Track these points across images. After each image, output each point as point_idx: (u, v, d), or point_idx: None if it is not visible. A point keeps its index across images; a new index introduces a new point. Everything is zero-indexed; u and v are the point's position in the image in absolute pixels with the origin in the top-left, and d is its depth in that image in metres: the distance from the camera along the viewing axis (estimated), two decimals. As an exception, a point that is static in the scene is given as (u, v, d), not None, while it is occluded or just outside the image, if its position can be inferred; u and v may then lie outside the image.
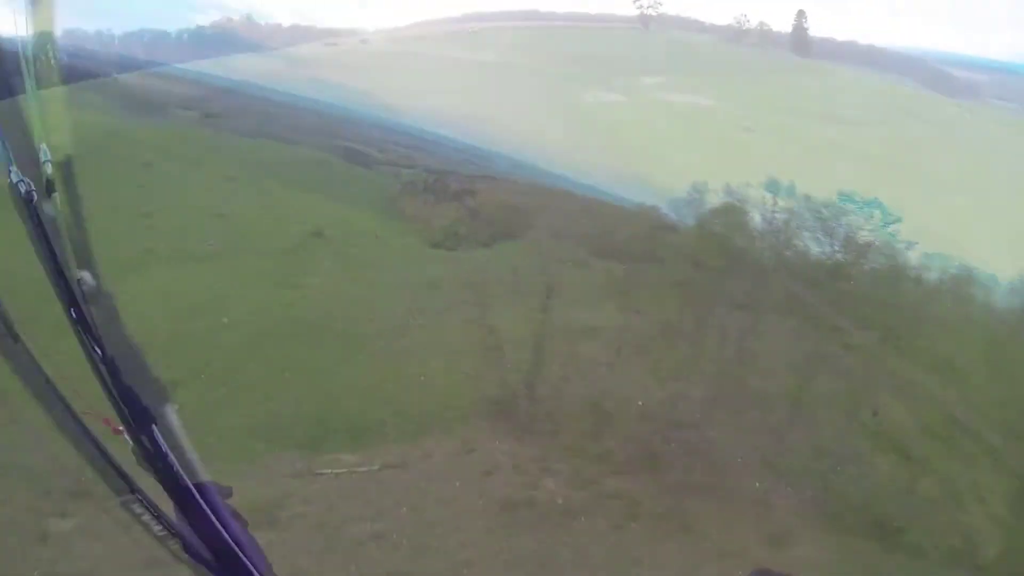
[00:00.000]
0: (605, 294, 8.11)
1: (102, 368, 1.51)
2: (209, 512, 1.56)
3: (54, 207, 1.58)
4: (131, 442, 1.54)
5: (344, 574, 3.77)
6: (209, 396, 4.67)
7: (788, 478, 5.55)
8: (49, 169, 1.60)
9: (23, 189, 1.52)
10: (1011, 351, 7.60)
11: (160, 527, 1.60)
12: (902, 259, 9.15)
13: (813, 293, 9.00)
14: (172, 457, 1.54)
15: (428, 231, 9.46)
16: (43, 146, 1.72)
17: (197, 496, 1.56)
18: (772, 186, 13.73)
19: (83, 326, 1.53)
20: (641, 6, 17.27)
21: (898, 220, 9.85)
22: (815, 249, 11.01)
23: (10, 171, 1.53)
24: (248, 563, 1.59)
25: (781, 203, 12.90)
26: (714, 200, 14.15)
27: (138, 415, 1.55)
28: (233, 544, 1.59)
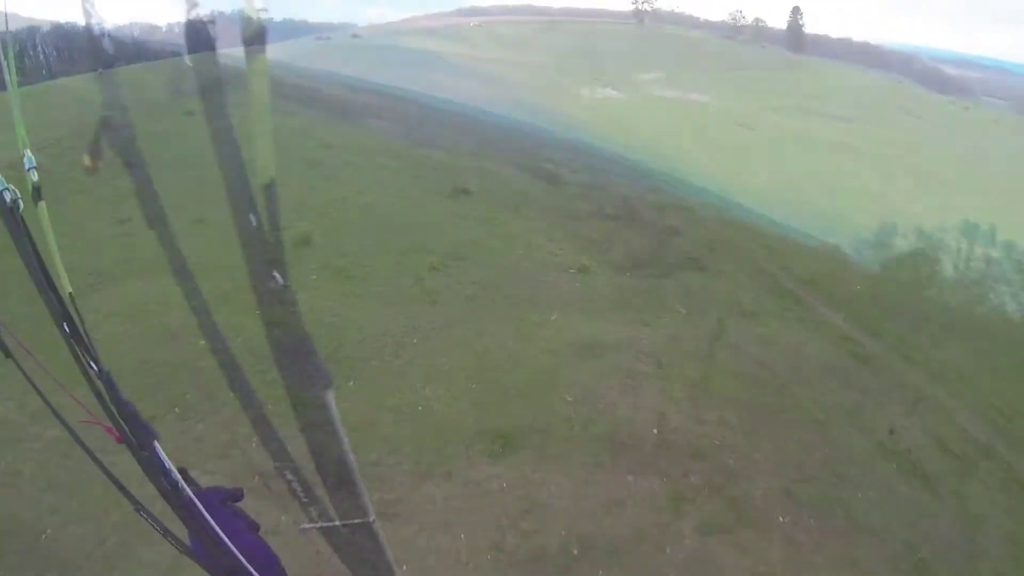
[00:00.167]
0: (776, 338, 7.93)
1: (99, 384, 1.40)
2: (215, 526, 1.49)
3: (41, 216, 1.45)
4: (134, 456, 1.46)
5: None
6: (186, 434, 4.18)
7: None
8: (35, 176, 1.47)
9: (8, 198, 1.37)
10: None
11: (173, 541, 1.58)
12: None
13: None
14: (176, 473, 1.49)
15: (614, 256, 9.54)
16: (28, 152, 1.57)
17: (204, 512, 1.49)
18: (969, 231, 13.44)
19: (77, 341, 1.42)
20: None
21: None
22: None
23: None
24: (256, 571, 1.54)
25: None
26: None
27: (138, 431, 1.46)
28: (242, 553, 1.53)
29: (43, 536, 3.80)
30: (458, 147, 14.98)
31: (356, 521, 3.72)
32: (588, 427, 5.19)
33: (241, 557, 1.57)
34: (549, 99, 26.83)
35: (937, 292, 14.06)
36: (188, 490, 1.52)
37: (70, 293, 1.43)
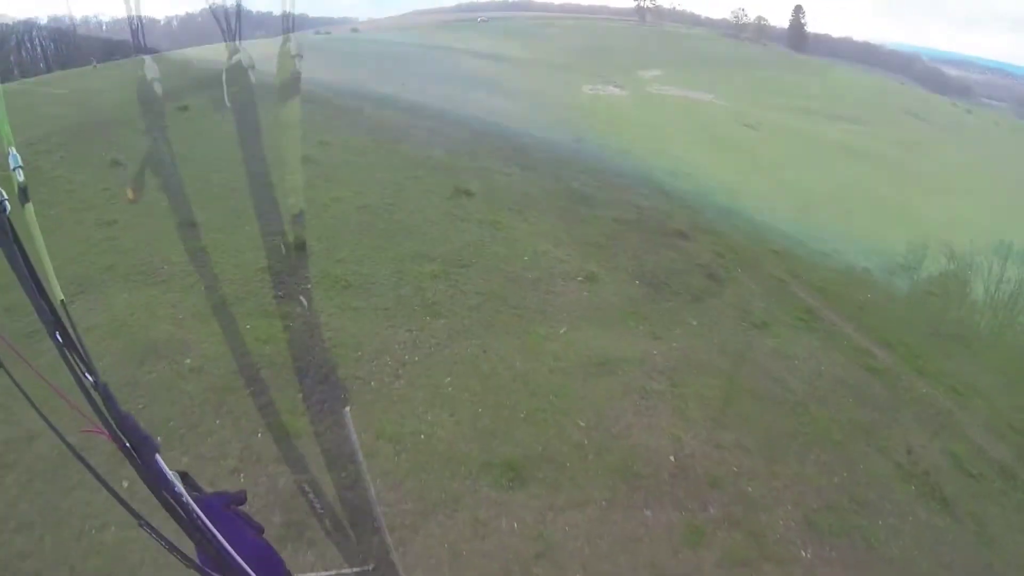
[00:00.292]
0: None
1: (95, 396, 1.31)
2: (224, 542, 1.43)
3: (29, 219, 1.35)
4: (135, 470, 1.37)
5: None
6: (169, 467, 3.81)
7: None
8: (21, 176, 1.37)
9: None
10: None
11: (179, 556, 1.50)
12: None
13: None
14: (180, 486, 1.40)
15: (621, 261, 9.30)
16: (12, 151, 1.48)
17: (211, 526, 1.42)
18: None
19: (72, 351, 1.34)
20: None
21: None
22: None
23: None
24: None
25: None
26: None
27: (139, 443, 1.36)
28: (250, 561, 1.48)
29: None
30: (458, 146, 14.61)
31: (354, 570, 3.40)
32: (602, 455, 4.86)
33: (251, 571, 1.53)
34: (550, 96, 26.49)
35: (946, 302, 13.84)
36: (193, 504, 1.43)
37: (62, 300, 1.34)
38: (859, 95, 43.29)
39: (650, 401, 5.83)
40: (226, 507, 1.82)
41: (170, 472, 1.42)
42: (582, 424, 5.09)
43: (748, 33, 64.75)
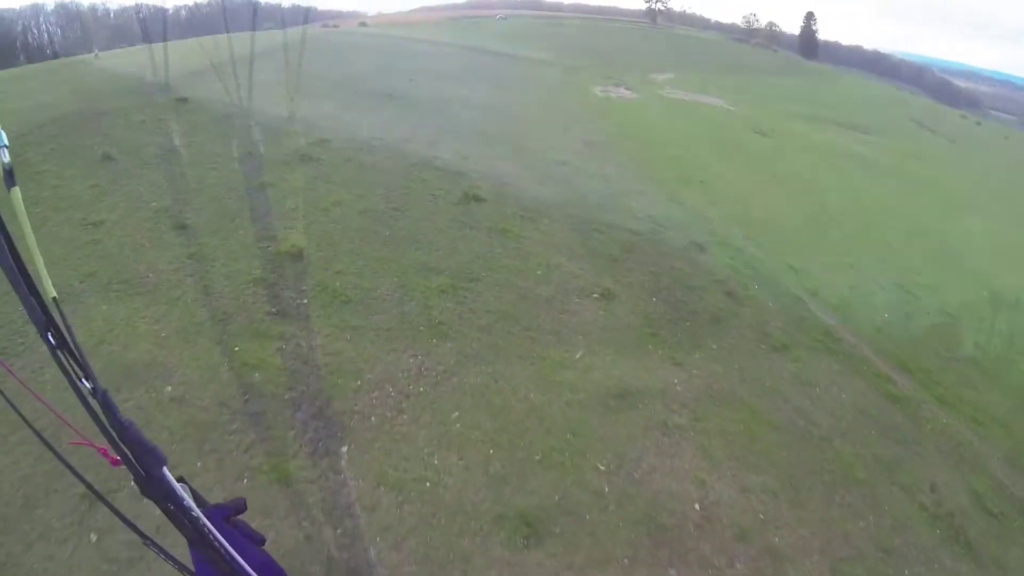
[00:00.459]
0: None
1: (93, 403, 1.08)
2: (236, 554, 1.24)
3: (16, 204, 1.08)
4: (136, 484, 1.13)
5: None
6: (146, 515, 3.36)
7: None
8: (6, 156, 1.10)
9: None
10: None
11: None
12: None
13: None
14: (189, 500, 1.18)
15: (637, 277, 8.86)
16: None
17: (222, 539, 1.22)
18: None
19: (67, 353, 1.12)
20: None
21: None
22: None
23: None
24: None
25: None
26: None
27: (143, 456, 1.12)
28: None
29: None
30: (467, 146, 14.13)
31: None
32: (624, 505, 4.40)
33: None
34: (560, 97, 26.01)
35: (962, 323, 13.42)
36: (205, 519, 1.26)
37: (54, 297, 1.16)
38: (870, 105, 42.82)
39: (672, 438, 5.38)
40: (227, 519, 1.66)
41: (179, 486, 1.21)
42: (602, 468, 4.63)
43: (759, 38, 64.19)
